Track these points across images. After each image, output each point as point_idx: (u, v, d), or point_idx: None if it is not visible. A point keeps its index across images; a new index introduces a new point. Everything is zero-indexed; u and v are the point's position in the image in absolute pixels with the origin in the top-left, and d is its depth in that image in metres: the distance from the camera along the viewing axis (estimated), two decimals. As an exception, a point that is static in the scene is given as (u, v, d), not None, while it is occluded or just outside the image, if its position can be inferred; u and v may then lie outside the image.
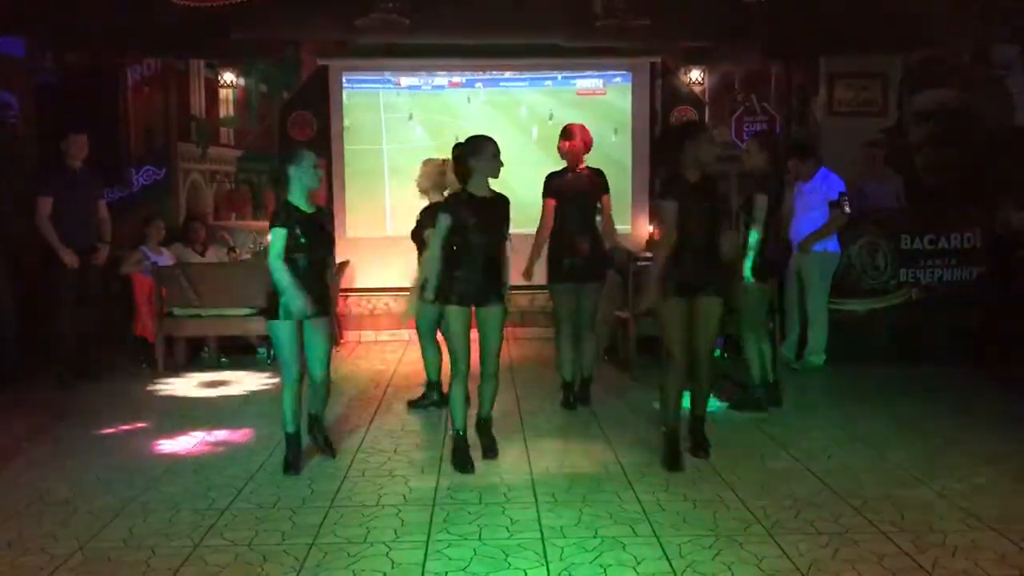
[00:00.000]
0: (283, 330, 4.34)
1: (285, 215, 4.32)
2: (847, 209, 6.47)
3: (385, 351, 8.05)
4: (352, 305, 8.73)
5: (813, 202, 6.49)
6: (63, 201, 6.38)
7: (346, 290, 8.63)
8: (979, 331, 6.87)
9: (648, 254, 7.79)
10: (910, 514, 3.74)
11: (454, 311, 4.35)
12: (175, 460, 4.63)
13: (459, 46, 8.97)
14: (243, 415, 5.63)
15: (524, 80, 9.33)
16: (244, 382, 6.64)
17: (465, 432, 4.45)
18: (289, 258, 4.28)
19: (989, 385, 6.20)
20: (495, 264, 4.43)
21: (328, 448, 4.67)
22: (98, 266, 6.63)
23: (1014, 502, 3.89)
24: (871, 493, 4.01)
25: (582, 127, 5.55)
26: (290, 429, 4.43)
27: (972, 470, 4.34)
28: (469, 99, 9.32)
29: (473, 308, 4.39)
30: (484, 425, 4.65)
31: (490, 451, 4.59)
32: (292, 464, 4.40)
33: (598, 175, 5.53)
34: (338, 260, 8.64)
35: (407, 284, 5.70)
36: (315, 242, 4.38)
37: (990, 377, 6.34)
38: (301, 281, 4.28)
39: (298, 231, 4.30)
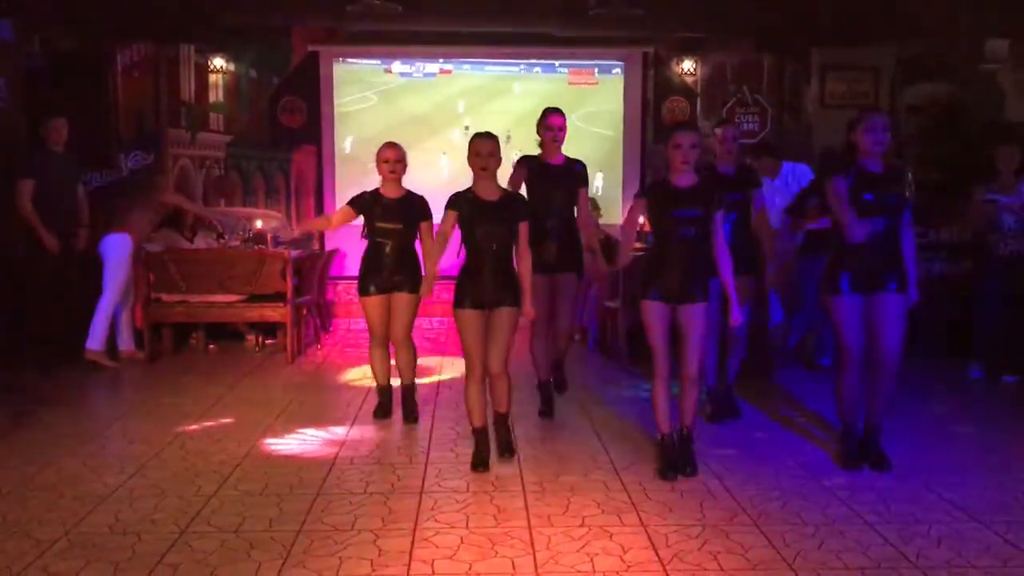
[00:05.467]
0: None
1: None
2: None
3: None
4: (342, 293, 8.71)
5: (791, 192, 6.53)
6: (44, 185, 6.35)
7: (336, 278, 8.61)
8: (968, 324, 6.89)
9: (639, 245, 7.81)
10: (896, 505, 3.76)
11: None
12: (162, 446, 4.61)
13: (451, 34, 8.94)
14: (225, 404, 5.62)
15: (516, 68, 9.31)
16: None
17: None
18: None
19: (977, 377, 6.23)
20: None
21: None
22: (79, 250, 6.61)
23: (999, 494, 3.91)
24: (857, 483, 4.03)
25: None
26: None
27: (958, 462, 4.37)
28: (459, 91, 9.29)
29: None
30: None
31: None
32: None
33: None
34: (328, 248, 8.64)
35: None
36: None
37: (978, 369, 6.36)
38: None
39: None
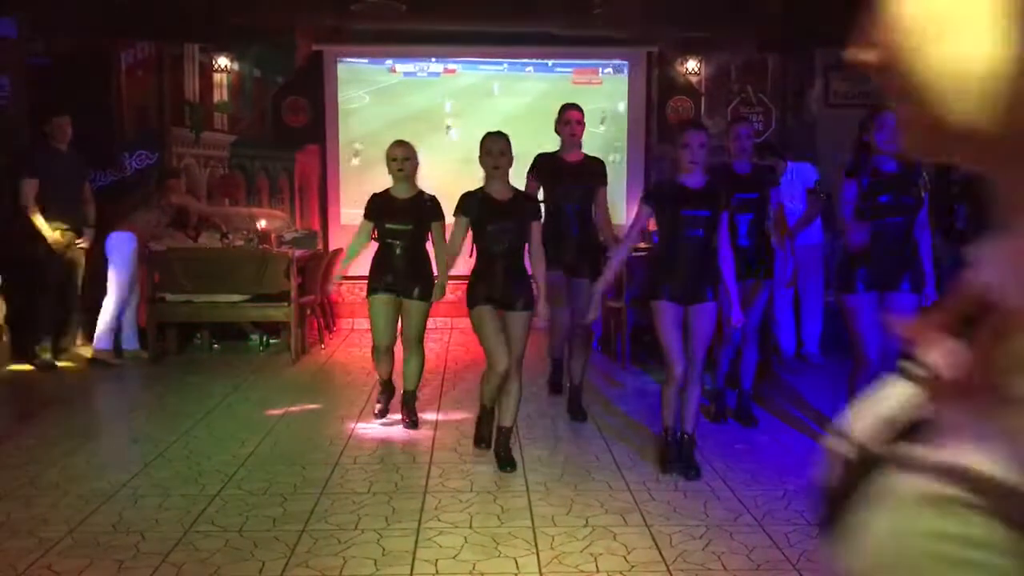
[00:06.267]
0: None
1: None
2: (821, 196, 6.52)
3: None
4: (346, 293, 8.71)
5: (795, 192, 6.54)
6: (49, 183, 6.36)
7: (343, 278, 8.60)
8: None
9: (644, 245, 7.80)
10: (900, 505, 3.75)
11: None
12: (166, 445, 4.62)
13: (454, 33, 8.94)
14: (229, 404, 5.62)
15: (519, 67, 9.30)
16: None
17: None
18: None
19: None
20: None
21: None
22: (84, 249, 6.62)
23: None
24: (861, 484, 4.02)
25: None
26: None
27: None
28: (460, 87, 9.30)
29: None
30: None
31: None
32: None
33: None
34: (332, 247, 8.64)
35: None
36: None
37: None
38: None
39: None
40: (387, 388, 5.13)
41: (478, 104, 9.20)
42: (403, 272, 4.81)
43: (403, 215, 4.81)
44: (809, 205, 6.50)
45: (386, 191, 4.89)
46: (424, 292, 4.81)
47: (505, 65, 9.27)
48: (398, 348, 5.00)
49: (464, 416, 5.11)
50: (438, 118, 9.19)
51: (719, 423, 5.01)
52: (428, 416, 5.22)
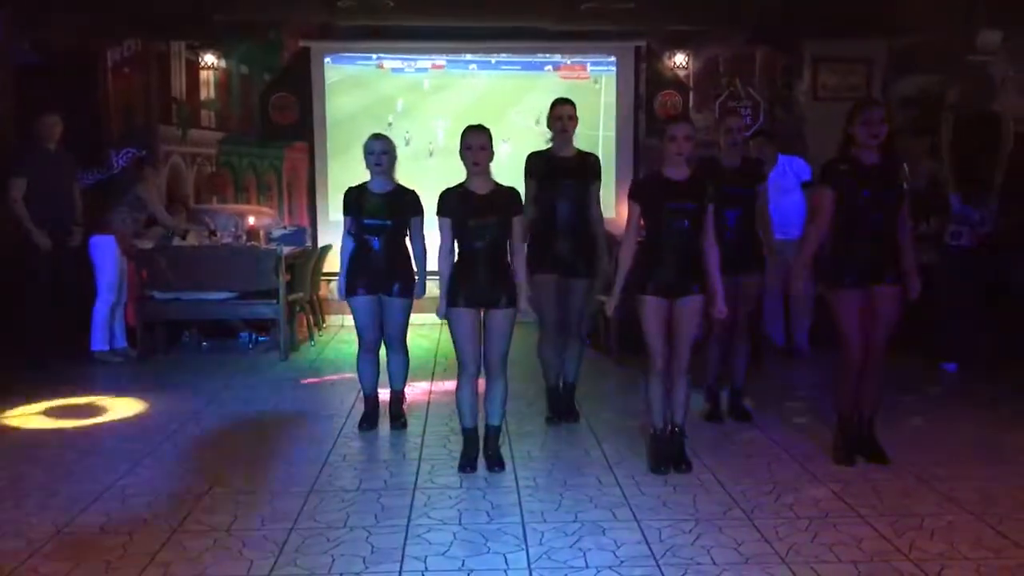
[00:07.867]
0: None
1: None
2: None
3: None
4: (335, 290, 8.69)
5: (787, 184, 6.54)
6: (37, 182, 6.32)
7: (329, 274, 8.59)
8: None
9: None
10: (888, 498, 3.77)
11: None
12: (154, 445, 4.60)
13: (442, 29, 8.92)
14: (218, 402, 5.60)
15: (509, 63, 9.29)
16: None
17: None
18: None
19: (964, 371, 6.23)
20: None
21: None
22: (73, 247, 6.58)
23: (991, 486, 3.92)
24: (850, 477, 4.04)
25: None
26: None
27: (950, 454, 4.38)
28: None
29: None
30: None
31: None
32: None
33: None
34: (320, 244, 8.61)
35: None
36: None
37: (965, 363, 6.36)
38: None
39: None
40: (372, 403, 4.95)
41: (467, 99, 9.18)
42: (381, 269, 4.69)
43: (380, 210, 4.66)
44: (808, 199, 6.51)
45: (363, 184, 4.76)
46: (404, 290, 4.71)
47: (512, 61, 9.28)
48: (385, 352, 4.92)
49: (454, 413, 5.08)
50: (436, 113, 9.17)
51: (715, 422, 4.99)
52: (417, 413, 5.21)
